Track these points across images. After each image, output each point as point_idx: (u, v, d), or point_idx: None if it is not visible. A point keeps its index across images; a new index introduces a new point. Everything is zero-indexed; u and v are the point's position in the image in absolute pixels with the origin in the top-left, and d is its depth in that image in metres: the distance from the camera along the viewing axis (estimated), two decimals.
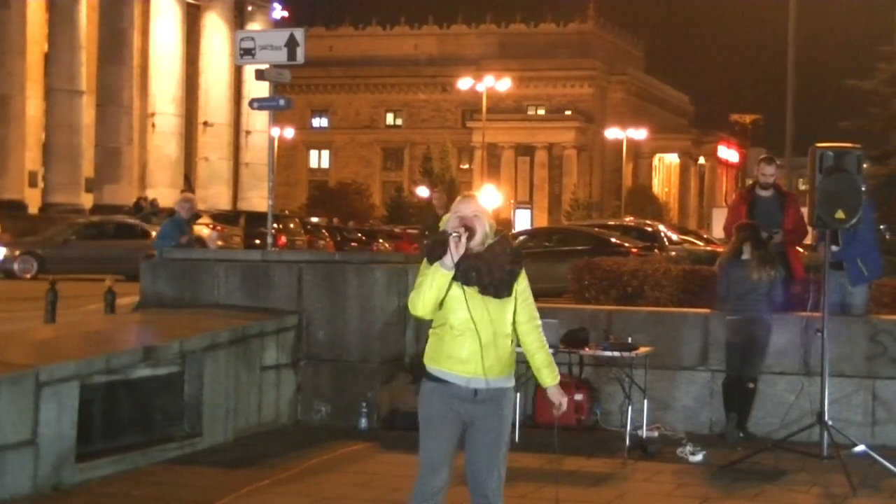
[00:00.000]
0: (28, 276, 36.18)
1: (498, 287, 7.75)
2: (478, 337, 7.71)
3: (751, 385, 14.07)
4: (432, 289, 7.68)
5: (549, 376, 8.02)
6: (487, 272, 7.71)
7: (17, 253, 37.17)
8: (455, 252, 7.62)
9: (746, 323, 13.91)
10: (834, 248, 13.80)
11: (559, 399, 8.01)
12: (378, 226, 73.64)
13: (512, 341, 7.86)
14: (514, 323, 7.89)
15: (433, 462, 7.85)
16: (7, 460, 10.58)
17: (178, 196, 18.18)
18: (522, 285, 7.90)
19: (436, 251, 7.71)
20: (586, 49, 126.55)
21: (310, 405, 14.72)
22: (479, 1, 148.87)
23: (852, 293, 14.58)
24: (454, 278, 7.69)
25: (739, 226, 14.49)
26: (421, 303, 7.74)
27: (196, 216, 24.48)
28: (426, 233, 20.78)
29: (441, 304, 7.77)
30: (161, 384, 12.78)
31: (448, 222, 7.78)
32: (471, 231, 7.69)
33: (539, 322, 8.00)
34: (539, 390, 14.58)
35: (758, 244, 14.12)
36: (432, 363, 7.88)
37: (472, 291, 7.71)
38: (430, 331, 7.93)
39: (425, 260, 7.78)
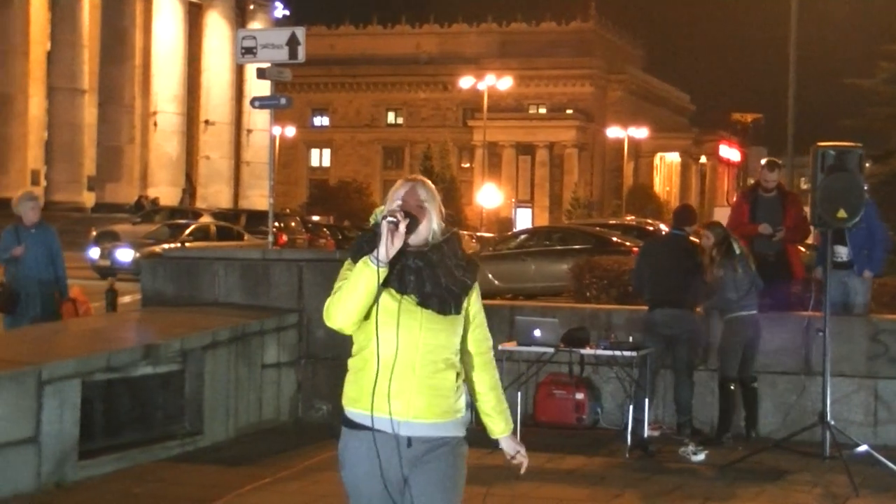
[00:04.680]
0: None
1: (443, 300, 5.77)
2: (411, 364, 5.75)
3: (754, 385, 14.02)
4: (358, 291, 5.64)
5: (500, 424, 6.17)
6: (431, 277, 5.76)
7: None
8: (391, 243, 5.61)
9: (748, 321, 13.84)
10: (841, 248, 13.81)
11: (515, 449, 6.19)
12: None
13: (458, 375, 5.89)
14: (461, 352, 5.97)
15: None
16: (10, 457, 10.61)
17: (19, 193, 15.52)
18: (476, 306, 5.98)
19: (363, 248, 5.76)
20: (587, 48, 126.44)
21: (310, 403, 14.71)
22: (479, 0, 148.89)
23: (854, 292, 14.56)
24: (385, 283, 5.70)
25: (713, 225, 14.32)
26: (342, 311, 5.71)
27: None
28: None
29: (365, 317, 5.78)
30: (162, 382, 12.78)
31: (384, 210, 5.86)
32: (413, 218, 5.77)
33: (492, 355, 6.14)
34: (540, 389, 14.58)
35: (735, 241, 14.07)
36: (351, 404, 6.11)
37: (407, 302, 5.76)
38: (349, 360, 6.06)
39: (348, 261, 5.84)
